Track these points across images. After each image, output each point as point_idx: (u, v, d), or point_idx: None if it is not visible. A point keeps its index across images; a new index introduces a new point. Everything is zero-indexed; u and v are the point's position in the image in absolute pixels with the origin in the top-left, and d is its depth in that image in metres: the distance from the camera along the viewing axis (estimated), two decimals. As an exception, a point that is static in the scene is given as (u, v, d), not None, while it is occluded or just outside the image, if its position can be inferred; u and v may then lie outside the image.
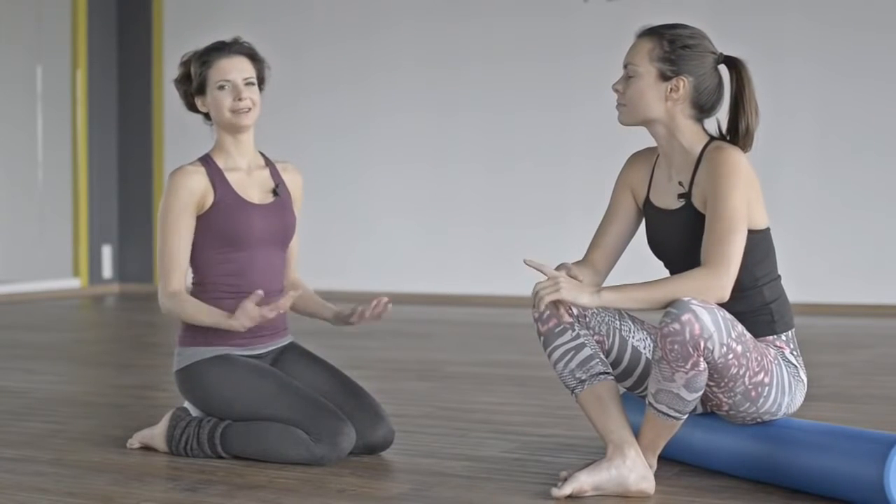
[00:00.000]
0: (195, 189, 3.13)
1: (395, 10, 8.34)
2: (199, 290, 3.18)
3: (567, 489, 2.64)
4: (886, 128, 7.14)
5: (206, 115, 3.24)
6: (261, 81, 3.23)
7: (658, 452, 2.74)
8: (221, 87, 3.14)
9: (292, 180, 3.33)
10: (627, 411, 3.05)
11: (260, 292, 3.00)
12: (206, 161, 3.20)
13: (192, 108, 3.25)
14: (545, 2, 7.92)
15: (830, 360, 5.05)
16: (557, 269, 2.77)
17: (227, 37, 3.27)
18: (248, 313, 2.99)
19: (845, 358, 5.12)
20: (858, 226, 7.20)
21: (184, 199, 3.12)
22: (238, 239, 3.14)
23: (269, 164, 3.31)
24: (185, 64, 3.22)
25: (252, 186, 3.22)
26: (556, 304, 2.65)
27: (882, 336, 6.03)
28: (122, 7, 9.19)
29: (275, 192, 3.24)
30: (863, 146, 7.19)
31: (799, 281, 7.28)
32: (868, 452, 2.50)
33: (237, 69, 3.15)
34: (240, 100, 3.14)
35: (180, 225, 3.12)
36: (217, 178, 3.17)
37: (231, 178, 3.19)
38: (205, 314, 3.08)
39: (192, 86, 3.19)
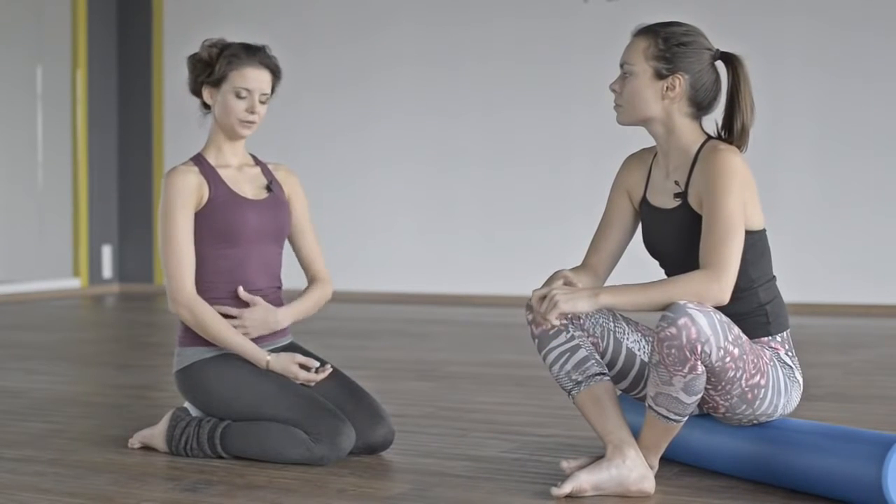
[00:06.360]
0: (192, 187, 3.13)
1: (395, 11, 8.34)
2: (196, 288, 3.18)
3: (567, 488, 2.64)
4: (885, 128, 7.14)
5: (206, 105, 3.23)
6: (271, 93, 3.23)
7: (660, 454, 2.74)
8: (238, 95, 3.14)
9: (287, 181, 3.33)
10: (628, 413, 3.05)
11: (329, 368, 3.13)
12: (199, 160, 3.21)
13: (197, 92, 3.23)
14: (545, 2, 7.93)
15: (830, 360, 5.05)
16: (552, 279, 2.77)
17: (245, 36, 3.24)
18: (285, 365, 3.10)
19: (845, 358, 5.12)
20: (858, 226, 7.21)
21: (182, 197, 3.12)
22: (233, 234, 3.14)
23: (258, 163, 3.32)
24: (210, 51, 3.16)
25: (245, 182, 3.23)
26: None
27: (882, 336, 6.03)
28: (122, 7, 9.20)
29: (268, 189, 3.24)
30: (862, 146, 7.19)
31: (798, 281, 7.29)
32: (866, 453, 2.50)
33: (259, 82, 3.15)
34: (252, 112, 3.14)
35: (182, 224, 3.12)
36: (211, 175, 3.17)
37: (224, 174, 3.20)
38: (231, 335, 3.10)
39: (210, 76, 3.17)
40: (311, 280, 3.36)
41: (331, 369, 3.16)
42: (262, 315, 3.17)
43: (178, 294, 3.11)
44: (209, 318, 3.09)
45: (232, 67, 3.14)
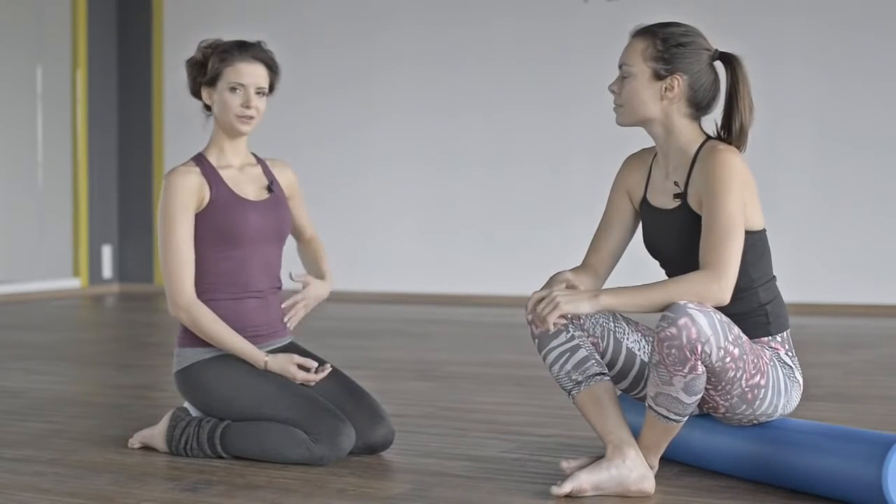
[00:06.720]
0: (192, 188, 3.13)
1: (395, 11, 8.34)
2: (196, 289, 3.18)
3: (567, 487, 2.64)
4: (885, 127, 7.14)
5: (207, 106, 3.23)
6: (271, 89, 3.23)
7: (660, 454, 2.74)
8: (233, 90, 3.14)
9: (283, 176, 3.34)
10: (628, 413, 3.05)
11: (328, 368, 3.13)
12: (200, 160, 3.20)
13: (197, 94, 3.24)
14: (545, 2, 7.93)
15: (830, 360, 5.06)
16: (553, 280, 2.77)
17: (245, 35, 3.25)
18: (283, 365, 3.11)
19: (845, 358, 5.12)
20: (858, 226, 7.21)
21: (183, 198, 3.11)
22: (235, 236, 3.14)
23: (259, 161, 3.32)
24: (204, 51, 3.18)
25: (246, 183, 3.22)
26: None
27: (882, 336, 6.03)
28: (122, 7, 9.20)
29: (269, 189, 3.25)
30: (861, 146, 7.19)
31: (799, 281, 7.29)
32: (866, 453, 2.50)
33: (253, 75, 3.14)
34: (247, 107, 3.14)
35: (182, 226, 3.11)
36: (212, 176, 3.17)
37: (225, 175, 3.20)
38: (230, 337, 3.11)
39: (205, 76, 3.17)
40: (309, 241, 3.44)
41: (330, 369, 3.16)
42: (316, 290, 3.30)
43: (177, 298, 3.11)
44: (208, 320, 3.09)
45: (225, 64, 3.14)
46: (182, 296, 3.10)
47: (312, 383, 3.13)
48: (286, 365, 3.10)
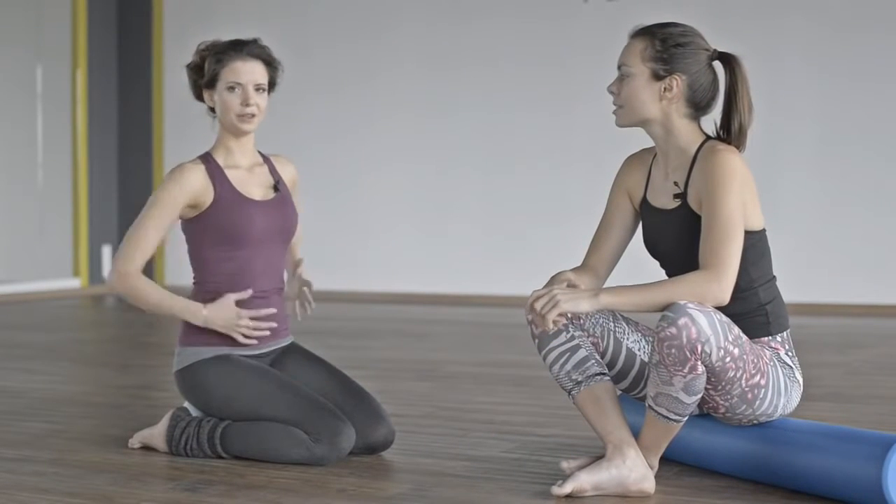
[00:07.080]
0: (192, 187, 3.12)
1: (396, 12, 8.35)
2: (200, 289, 3.18)
3: (567, 488, 2.64)
4: (885, 127, 7.14)
5: (211, 108, 3.24)
6: (271, 85, 3.22)
7: (660, 454, 2.74)
8: (231, 89, 3.13)
9: (286, 171, 3.35)
10: (628, 413, 3.05)
11: (250, 291, 3.13)
12: (207, 159, 3.20)
13: (200, 97, 3.24)
14: (545, 3, 7.93)
15: (830, 360, 5.06)
16: (554, 280, 2.78)
17: (245, 35, 3.26)
18: (225, 310, 3.10)
19: (845, 358, 5.12)
20: (858, 226, 7.21)
21: (175, 195, 3.11)
22: (239, 236, 3.14)
23: (266, 160, 3.32)
24: (201, 54, 3.19)
25: (253, 184, 3.22)
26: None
27: (882, 336, 6.03)
28: (122, 7, 9.20)
29: (275, 188, 3.25)
30: (863, 146, 7.19)
31: (799, 281, 7.29)
32: (866, 453, 2.50)
33: (250, 73, 3.14)
34: (247, 105, 3.13)
35: (163, 217, 3.11)
36: (217, 175, 3.17)
37: (231, 175, 3.19)
38: (168, 299, 3.12)
39: (204, 79, 3.18)
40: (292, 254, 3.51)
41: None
42: (306, 276, 3.35)
43: (121, 264, 3.09)
44: (148, 287, 3.10)
45: (221, 65, 3.14)
46: (126, 263, 3.09)
47: (263, 332, 3.15)
48: (226, 307, 3.12)
